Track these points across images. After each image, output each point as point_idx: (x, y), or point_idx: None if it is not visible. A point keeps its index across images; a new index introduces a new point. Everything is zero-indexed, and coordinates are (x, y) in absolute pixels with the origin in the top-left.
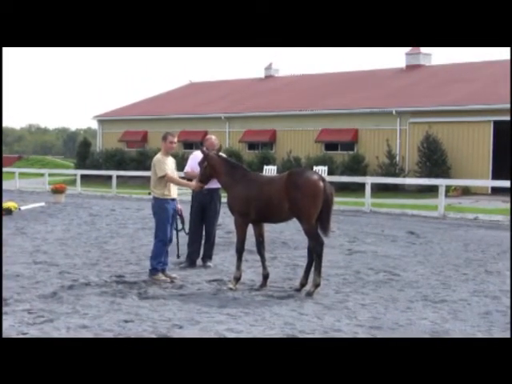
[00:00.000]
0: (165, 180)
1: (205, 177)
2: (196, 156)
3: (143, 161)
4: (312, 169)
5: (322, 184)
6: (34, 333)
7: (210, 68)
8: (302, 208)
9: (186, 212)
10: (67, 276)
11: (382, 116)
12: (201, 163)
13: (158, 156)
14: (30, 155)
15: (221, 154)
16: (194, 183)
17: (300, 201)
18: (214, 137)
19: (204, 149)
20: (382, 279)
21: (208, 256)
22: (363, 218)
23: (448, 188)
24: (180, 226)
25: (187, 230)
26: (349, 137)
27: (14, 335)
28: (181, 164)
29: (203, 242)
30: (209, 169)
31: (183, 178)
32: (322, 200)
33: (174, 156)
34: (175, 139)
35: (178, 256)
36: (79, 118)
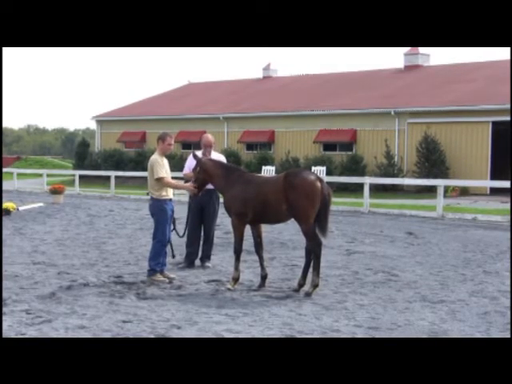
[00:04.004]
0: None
1: (199, 182)
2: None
3: (142, 161)
4: (310, 169)
5: (319, 184)
6: (32, 333)
7: (209, 68)
8: (299, 209)
9: (183, 213)
10: (66, 276)
11: (381, 116)
12: (194, 169)
13: (155, 157)
14: (28, 155)
15: (219, 155)
16: (190, 185)
17: (297, 201)
18: (210, 135)
19: (195, 153)
20: (380, 280)
21: (206, 256)
22: (362, 219)
23: (446, 188)
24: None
25: (181, 233)
26: (347, 137)
27: (12, 336)
28: (179, 164)
29: (202, 242)
30: (202, 173)
31: (181, 178)
32: (319, 200)
33: (172, 157)
34: (173, 140)
35: (174, 256)
36: (78, 118)
